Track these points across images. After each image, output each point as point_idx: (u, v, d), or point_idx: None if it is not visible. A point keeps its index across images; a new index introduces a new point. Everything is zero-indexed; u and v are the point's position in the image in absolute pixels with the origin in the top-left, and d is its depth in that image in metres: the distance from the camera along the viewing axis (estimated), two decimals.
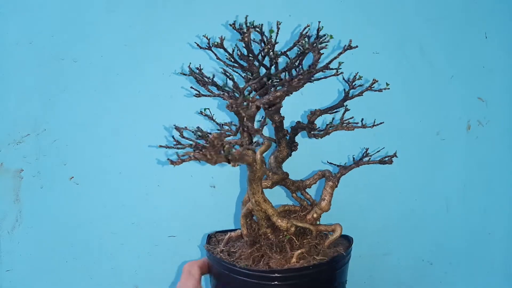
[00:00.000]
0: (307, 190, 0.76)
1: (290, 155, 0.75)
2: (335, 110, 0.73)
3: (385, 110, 0.90)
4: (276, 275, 0.60)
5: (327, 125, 0.73)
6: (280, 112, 0.69)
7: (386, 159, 0.72)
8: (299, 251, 0.65)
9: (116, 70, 0.86)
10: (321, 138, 0.73)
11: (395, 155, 0.73)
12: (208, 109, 0.72)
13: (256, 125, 0.62)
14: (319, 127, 0.73)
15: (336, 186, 0.72)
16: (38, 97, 0.85)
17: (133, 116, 0.87)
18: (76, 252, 0.87)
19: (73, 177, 0.87)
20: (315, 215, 0.71)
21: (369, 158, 0.73)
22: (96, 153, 0.87)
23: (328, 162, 0.83)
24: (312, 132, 0.72)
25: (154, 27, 0.87)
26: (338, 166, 0.74)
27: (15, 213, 0.86)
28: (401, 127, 0.92)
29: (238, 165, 0.58)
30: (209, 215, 0.89)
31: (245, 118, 0.59)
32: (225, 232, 0.77)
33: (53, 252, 0.87)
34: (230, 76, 0.65)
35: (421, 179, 0.94)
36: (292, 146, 0.74)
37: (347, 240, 0.72)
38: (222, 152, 0.48)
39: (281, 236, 0.69)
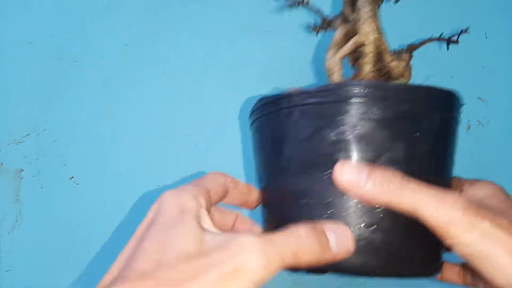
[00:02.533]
0: None
1: None
2: None
3: None
4: None
5: None
6: None
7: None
8: None
9: (116, 70, 0.86)
10: None
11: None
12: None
13: None
14: None
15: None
16: (38, 97, 0.85)
17: (133, 116, 0.87)
18: (76, 252, 0.87)
19: (73, 177, 0.87)
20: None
21: None
22: (96, 153, 0.87)
23: None
24: None
25: (155, 27, 0.87)
26: None
27: (15, 213, 0.86)
28: None
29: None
30: None
31: None
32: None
33: (53, 252, 0.87)
34: None
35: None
36: None
37: None
38: None
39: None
